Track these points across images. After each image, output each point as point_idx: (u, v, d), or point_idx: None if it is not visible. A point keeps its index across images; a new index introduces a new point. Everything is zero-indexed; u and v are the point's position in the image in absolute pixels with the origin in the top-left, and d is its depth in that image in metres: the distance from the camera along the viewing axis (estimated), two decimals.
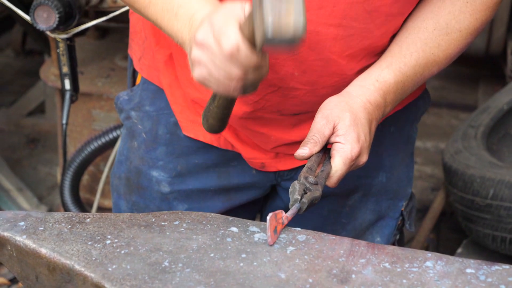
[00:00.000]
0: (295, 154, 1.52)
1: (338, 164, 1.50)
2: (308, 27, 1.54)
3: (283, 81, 1.61)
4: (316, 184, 1.47)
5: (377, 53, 1.64)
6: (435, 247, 3.49)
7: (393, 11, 1.57)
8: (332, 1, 1.52)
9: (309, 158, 1.51)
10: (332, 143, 1.52)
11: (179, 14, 1.45)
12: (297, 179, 1.47)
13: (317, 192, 1.46)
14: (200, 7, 1.42)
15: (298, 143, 1.71)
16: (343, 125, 1.51)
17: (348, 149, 1.50)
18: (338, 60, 1.59)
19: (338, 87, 1.63)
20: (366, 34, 1.58)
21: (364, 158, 1.54)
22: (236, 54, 1.29)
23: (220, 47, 1.30)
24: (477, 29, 1.63)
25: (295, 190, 1.45)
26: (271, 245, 1.40)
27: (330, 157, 1.52)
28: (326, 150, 1.54)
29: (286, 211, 1.82)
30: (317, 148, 1.51)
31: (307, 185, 1.46)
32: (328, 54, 1.58)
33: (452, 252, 3.20)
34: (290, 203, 1.45)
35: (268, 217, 1.41)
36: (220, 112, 1.48)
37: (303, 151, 1.50)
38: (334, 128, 1.51)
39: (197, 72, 1.36)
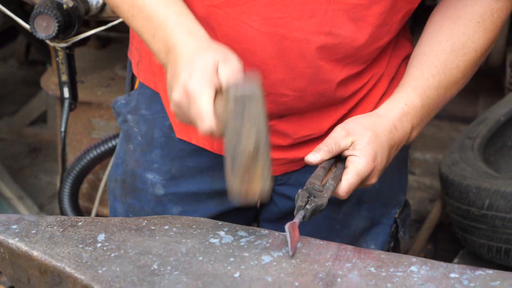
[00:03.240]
0: (305, 158, 1.53)
1: (352, 174, 1.51)
2: (299, 35, 1.57)
3: (273, 87, 1.64)
4: (322, 191, 1.47)
5: (362, 62, 1.66)
6: (432, 257, 3.49)
7: (378, 22, 1.59)
8: (322, 10, 1.55)
9: (318, 165, 1.52)
10: (348, 155, 1.54)
11: (156, 36, 1.51)
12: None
13: (322, 199, 1.46)
14: (175, 34, 1.49)
15: (287, 148, 1.74)
16: (362, 141, 1.52)
17: (363, 163, 1.51)
18: (325, 67, 1.61)
19: (325, 94, 1.66)
20: (352, 43, 1.60)
21: (373, 180, 1.56)
22: (202, 122, 1.42)
23: (193, 117, 1.42)
24: (489, 48, 1.66)
25: (299, 197, 1.46)
26: (292, 255, 1.41)
27: (342, 168, 1.52)
28: (339, 160, 1.55)
29: (282, 216, 1.85)
30: (328, 157, 1.52)
31: (312, 192, 1.47)
32: (317, 62, 1.60)
33: (448, 263, 3.21)
34: (295, 210, 1.46)
35: (286, 227, 1.41)
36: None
37: (314, 157, 1.52)
38: (352, 144, 1.53)
39: (172, 109, 1.48)
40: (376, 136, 1.54)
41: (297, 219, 1.44)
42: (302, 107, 1.67)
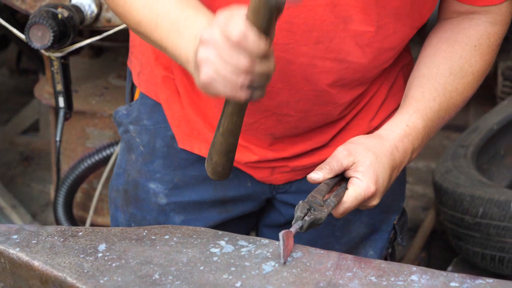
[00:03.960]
0: (307, 176, 1.54)
1: (350, 197, 1.53)
2: (306, 60, 1.59)
3: (277, 108, 1.66)
4: (322, 206, 1.48)
5: (367, 82, 1.69)
6: (426, 265, 3.50)
7: (384, 46, 1.61)
8: (329, 37, 1.57)
9: (320, 183, 1.53)
10: (350, 177, 1.55)
11: (184, 34, 1.47)
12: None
13: (321, 214, 1.47)
14: (206, 26, 1.42)
15: (289, 159, 1.75)
16: (363, 163, 1.54)
17: (364, 186, 1.53)
18: (331, 91, 1.64)
19: (329, 115, 1.69)
20: (359, 68, 1.62)
21: (375, 202, 1.57)
22: (244, 41, 1.28)
23: (227, 38, 1.29)
24: (486, 71, 1.68)
25: (298, 207, 1.47)
26: (284, 263, 1.42)
27: (345, 188, 1.54)
28: (343, 179, 1.57)
29: (286, 222, 1.86)
30: (330, 175, 1.53)
31: (313, 205, 1.48)
32: (322, 86, 1.62)
33: (442, 270, 3.22)
34: (293, 220, 1.47)
35: (280, 235, 1.42)
36: (225, 142, 1.46)
37: (316, 175, 1.53)
38: (353, 164, 1.54)
39: (203, 73, 1.34)
40: (378, 158, 1.56)
41: (294, 228, 1.45)
42: (306, 126, 1.69)
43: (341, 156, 1.55)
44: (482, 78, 1.69)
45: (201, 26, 1.43)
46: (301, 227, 1.46)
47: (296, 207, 1.47)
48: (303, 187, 1.79)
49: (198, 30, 1.43)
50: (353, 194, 1.53)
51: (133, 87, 1.92)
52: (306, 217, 1.46)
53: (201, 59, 1.33)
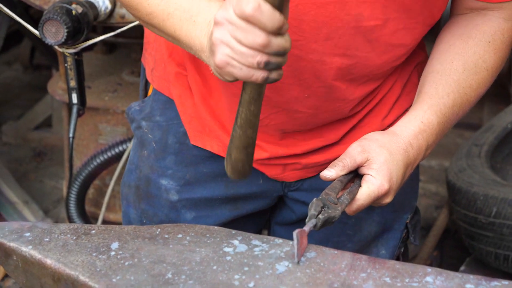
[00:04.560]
0: (320, 174, 1.54)
1: (363, 195, 1.52)
2: (315, 57, 1.58)
3: (287, 104, 1.65)
4: (336, 204, 1.48)
5: (377, 79, 1.67)
6: (438, 264, 3.49)
7: (392, 41, 1.60)
8: (338, 34, 1.56)
9: (333, 180, 1.53)
10: (364, 174, 1.55)
11: (197, 21, 1.45)
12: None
13: (335, 212, 1.47)
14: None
15: (301, 156, 1.74)
16: (377, 160, 1.53)
17: (377, 183, 1.53)
18: (340, 86, 1.63)
19: (339, 112, 1.68)
20: (367, 63, 1.61)
21: (388, 199, 1.57)
22: (258, 15, 1.25)
23: (241, 14, 1.26)
24: (500, 67, 1.68)
25: (312, 205, 1.46)
26: (298, 262, 1.41)
27: (358, 185, 1.54)
28: (356, 176, 1.56)
29: (297, 220, 1.85)
30: (343, 172, 1.53)
31: (327, 203, 1.47)
32: (331, 82, 1.62)
33: (455, 270, 3.19)
34: (307, 218, 1.46)
35: (294, 234, 1.41)
36: (244, 134, 1.42)
37: (329, 173, 1.53)
38: (367, 161, 1.54)
39: (218, 56, 1.32)
40: (392, 155, 1.55)
41: (307, 227, 1.44)
42: (316, 122, 1.68)
43: (355, 152, 1.54)
44: (496, 74, 1.68)
45: (214, 12, 1.41)
46: (314, 226, 1.45)
47: (310, 205, 1.47)
48: (315, 184, 1.78)
49: (211, 16, 1.42)
50: (366, 191, 1.52)
51: (147, 84, 1.92)
52: (320, 215, 1.45)
53: (215, 40, 1.32)
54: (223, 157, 1.77)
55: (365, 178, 1.54)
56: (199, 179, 1.81)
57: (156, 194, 1.84)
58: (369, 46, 1.59)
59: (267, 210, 1.92)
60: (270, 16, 1.26)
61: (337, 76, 1.61)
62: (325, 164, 1.76)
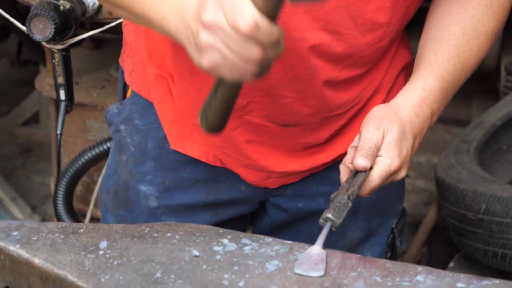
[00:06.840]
0: (354, 163, 1.50)
1: (375, 176, 1.51)
2: (296, 33, 1.53)
3: (271, 87, 1.60)
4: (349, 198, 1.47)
5: (362, 64, 1.64)
6: (427, 261, 3.49)
7: (378, 19, 1.57)
8: (316, 5, 1.52)
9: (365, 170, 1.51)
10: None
11: (167, 2, 1.38)
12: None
13: (353, 194, 1.48)
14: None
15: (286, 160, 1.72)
16: (389, 138, 1.52)
17: (387, 163, 1.51)
18: (324, 67, 1.58)
19: (326, 98, 1.63)
20: (351, 41, 1.57)
21: (402, 174, 1.55)
22: (256, 32, 1.20)
23: (236, 27, 1.21)
24: (499, 30, 1.66)
25: (336, 199, 1.46)
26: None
27: (364, 174, 1.52)
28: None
29: (275, 227, 1.84)
30: (373, 162, 1.51)
31: (339, 204, 1.46)
32: (315, 61, 1.57)
33: (444, 266, 3.21)
34: (321, 220, 1.46)
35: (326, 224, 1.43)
36: (224, 106, 1.36)
37: (364, 162, 1.49)
38: (382, 140, 1.52)
39: (208, 58, 1.26)
40: (403, 130, 1.53)
41: (324, 231, 1.46)
42: (304, 112, 1.64)
43: (376, 139, 1.51)
44: (495, 37, 1.66)
45: None
46: (348, 197, 1.46)
47: (332, 196, 1.47)
48: (298, 191, 1.77)
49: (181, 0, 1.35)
50: (378, 172, 1.51)
51: (125, 86, 1.86)
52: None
53: (205, 44, 1.26)
54: (203, 163, 1.74)
55: (375, 160, 1.52)
56: (179, 185, 1.77)
57: (135, 200, 1.79)
58: (353, 23, 1.55)
59: (249, 215, 1.89)
60: (268, 32, 1.22)
61: (318, 53, 1.56)
62: (308, 171, 1.75)
